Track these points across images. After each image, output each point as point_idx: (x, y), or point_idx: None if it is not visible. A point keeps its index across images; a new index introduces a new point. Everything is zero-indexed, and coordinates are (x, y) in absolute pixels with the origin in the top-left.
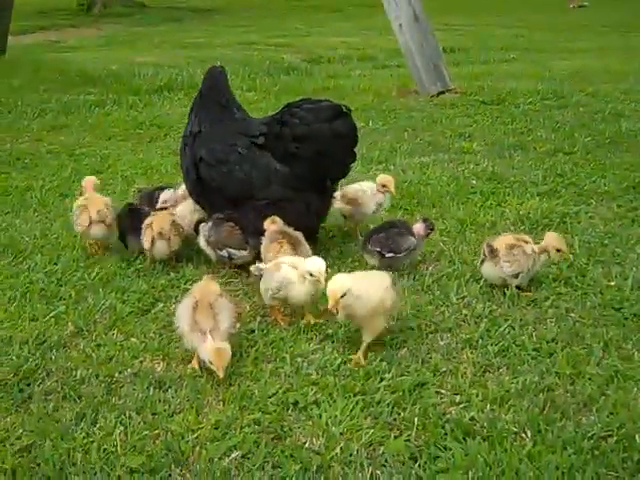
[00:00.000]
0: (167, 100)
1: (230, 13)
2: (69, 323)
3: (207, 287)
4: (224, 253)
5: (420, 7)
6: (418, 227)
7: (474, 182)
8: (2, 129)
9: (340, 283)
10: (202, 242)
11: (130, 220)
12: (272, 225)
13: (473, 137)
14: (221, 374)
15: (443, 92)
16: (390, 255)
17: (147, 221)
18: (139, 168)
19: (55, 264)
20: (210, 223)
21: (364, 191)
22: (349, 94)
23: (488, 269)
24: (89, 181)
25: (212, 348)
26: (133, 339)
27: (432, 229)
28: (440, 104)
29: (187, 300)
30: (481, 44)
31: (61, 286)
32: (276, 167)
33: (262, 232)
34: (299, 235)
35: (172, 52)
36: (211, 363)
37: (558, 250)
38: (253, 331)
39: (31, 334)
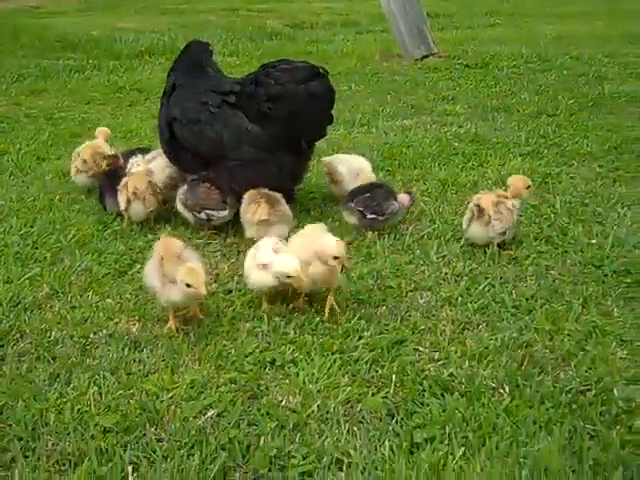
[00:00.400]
0: (148, 65)
1: None
2: (44, 285)
3: (169, 243)
4: (203, 215)
5: None
6: (402, 197)
7: (456, 144)
8: None
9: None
10: (179, 206)
11: (109, 181)
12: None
13: (456, 100)
14: (203, 290)
15: (427, 56)
16: (372, 217)
17: (123, 181)
18: (118, 132)
19: (31, 227)
20: (185, 186)
21: (344, 175)
22: (332, 58)
23: (477, 230)
24: (101, 132)
25: (184, 269)
26: (109, 300)
27: (414, 201)
28: (423, 68)
29: (153, 259)
30: (465, 9)
31: (36, 249)
32: (247, 127)
33: (238, 191)
34: (278, 195)
35: (154, 18)
36: (189, 286)
37: (528, 187)
38: (230, 291)
39: (5, 296)
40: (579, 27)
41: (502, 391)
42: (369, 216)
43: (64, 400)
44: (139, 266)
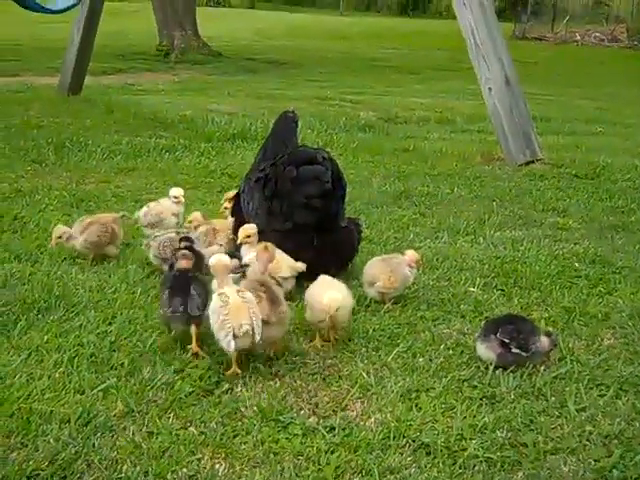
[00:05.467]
0: (240, 149)
1: (306, 67)
2: (119, 400)
3: None
4: None
5: (513, 71)
6: (543, 340)
7: (577, 265)
8: (69, 168)
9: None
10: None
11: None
12: None
13: (568, 213)
14: None
15: (532, 162)
16: (516, 352)
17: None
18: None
19: (110, 324)
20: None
21: None
22: (430, 157)
23: None
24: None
25: None
26: (191, 428)
27: (556, 345)
28: (529, 174)
29: None
30: (564, 115)
31: (114, 352)
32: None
33: None
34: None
35: (246, 101)
36: None
37: None
38: (333, 429)
39: (75, 411)
40: None
41: None
42: (513, 350)
43: None
44: (227, 385)
